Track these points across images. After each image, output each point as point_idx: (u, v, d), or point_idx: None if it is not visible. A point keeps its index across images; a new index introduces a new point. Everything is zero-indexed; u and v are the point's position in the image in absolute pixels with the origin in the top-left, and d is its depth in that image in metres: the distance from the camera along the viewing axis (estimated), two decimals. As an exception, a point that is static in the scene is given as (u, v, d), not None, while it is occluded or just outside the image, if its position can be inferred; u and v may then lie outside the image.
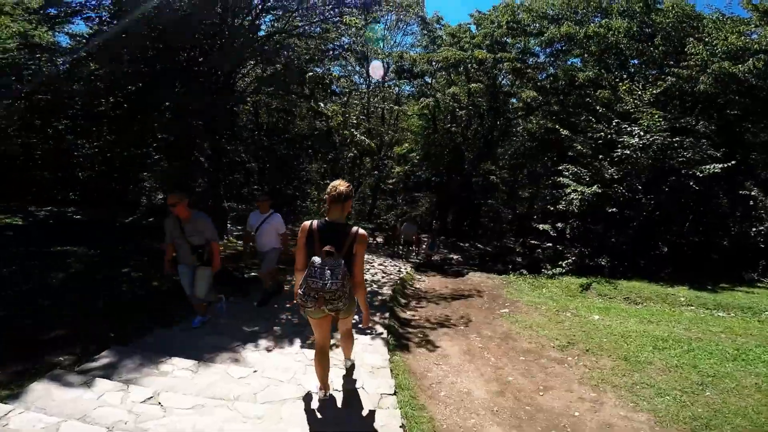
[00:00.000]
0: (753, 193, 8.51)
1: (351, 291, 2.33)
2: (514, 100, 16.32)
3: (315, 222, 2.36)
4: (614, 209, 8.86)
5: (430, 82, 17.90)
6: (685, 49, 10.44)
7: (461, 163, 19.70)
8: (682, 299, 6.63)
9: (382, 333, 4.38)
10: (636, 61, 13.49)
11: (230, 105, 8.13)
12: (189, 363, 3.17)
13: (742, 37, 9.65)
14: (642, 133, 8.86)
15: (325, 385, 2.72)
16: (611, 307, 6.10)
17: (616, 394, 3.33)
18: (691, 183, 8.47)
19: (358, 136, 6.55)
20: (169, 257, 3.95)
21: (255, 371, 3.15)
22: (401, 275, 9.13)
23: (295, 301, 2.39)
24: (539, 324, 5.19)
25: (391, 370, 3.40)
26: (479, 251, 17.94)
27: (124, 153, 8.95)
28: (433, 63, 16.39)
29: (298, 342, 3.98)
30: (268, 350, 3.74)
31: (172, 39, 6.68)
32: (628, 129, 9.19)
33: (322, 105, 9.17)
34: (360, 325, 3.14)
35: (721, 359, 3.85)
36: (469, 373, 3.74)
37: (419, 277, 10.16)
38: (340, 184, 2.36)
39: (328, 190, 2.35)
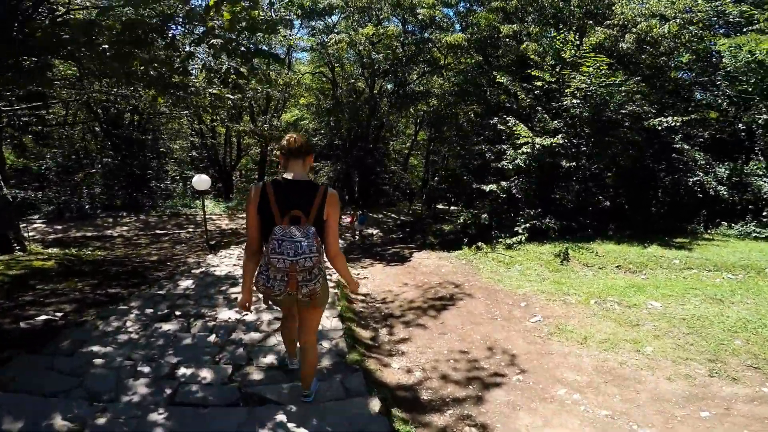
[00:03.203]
0: (686, 146, 8.73)
1: (323, 271, 1.86)
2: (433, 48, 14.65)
3: (270, 181, 1.76)
4: (573, 163, 7.99)
5: (336, 22, 14.90)
6: (613, 8, 10.27)
7: (367, 126, 17.34)
8: (677, 262, 5.97)
9: None
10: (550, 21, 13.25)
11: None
12: None
13: (661, 2, 9.83)
14: (588, 81, 8.06)
15: (293, 354, 2.48)
16: (644, 286, 4.89)
17: None
18: (637, 137, 8.15)
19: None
20: None
21: None
22: (333, 275, 5.15)
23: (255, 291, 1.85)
24: (621, 336, 3.40)
25: None
26: (395, 222, 16.33)
27: None
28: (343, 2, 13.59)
29: None
30: None
31: None
32: (572, 75, 8.33)
33: None
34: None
35: None
36: None
37: (356, 271, 7.45)
38: (299, 135, 1.85)
39: (284, 143, 1.83)
